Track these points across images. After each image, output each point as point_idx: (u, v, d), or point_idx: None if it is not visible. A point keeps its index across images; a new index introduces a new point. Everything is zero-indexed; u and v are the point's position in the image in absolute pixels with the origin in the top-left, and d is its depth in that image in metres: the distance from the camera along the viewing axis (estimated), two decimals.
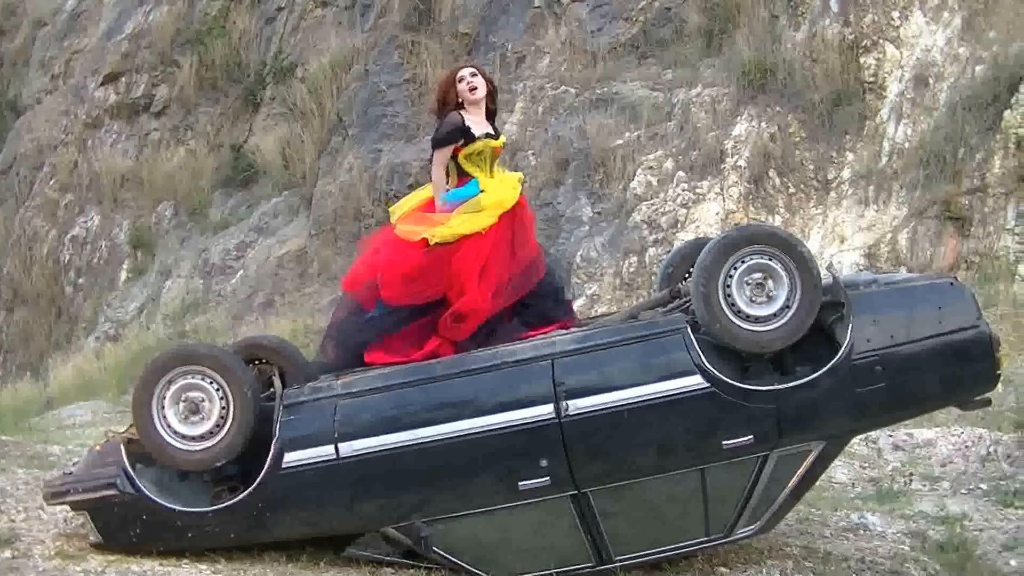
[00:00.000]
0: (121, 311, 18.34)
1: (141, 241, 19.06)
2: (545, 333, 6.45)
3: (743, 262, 5.96)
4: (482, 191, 6.68)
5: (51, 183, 20.67)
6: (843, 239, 12.52)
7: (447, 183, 6.79)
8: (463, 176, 6.77)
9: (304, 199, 17.47)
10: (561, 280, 7.15)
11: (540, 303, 6.70)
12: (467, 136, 6.71)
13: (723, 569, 6.61)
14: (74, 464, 6.68)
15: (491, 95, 6.93)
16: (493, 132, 6.87)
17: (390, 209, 7.24)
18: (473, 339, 6.45)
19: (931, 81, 12.96)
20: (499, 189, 6.74)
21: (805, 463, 6.13)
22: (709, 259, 5.97)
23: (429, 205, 6.78)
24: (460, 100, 6.81)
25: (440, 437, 5.94)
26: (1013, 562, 7.30)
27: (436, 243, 6.48)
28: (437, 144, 6.80)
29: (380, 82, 17.16)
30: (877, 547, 7.41)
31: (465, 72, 6.87)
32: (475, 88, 6.80)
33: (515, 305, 6.65)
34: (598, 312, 11.99)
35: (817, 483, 6.65)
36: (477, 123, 6.80)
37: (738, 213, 12.97)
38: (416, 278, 6.50)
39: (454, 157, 6.76)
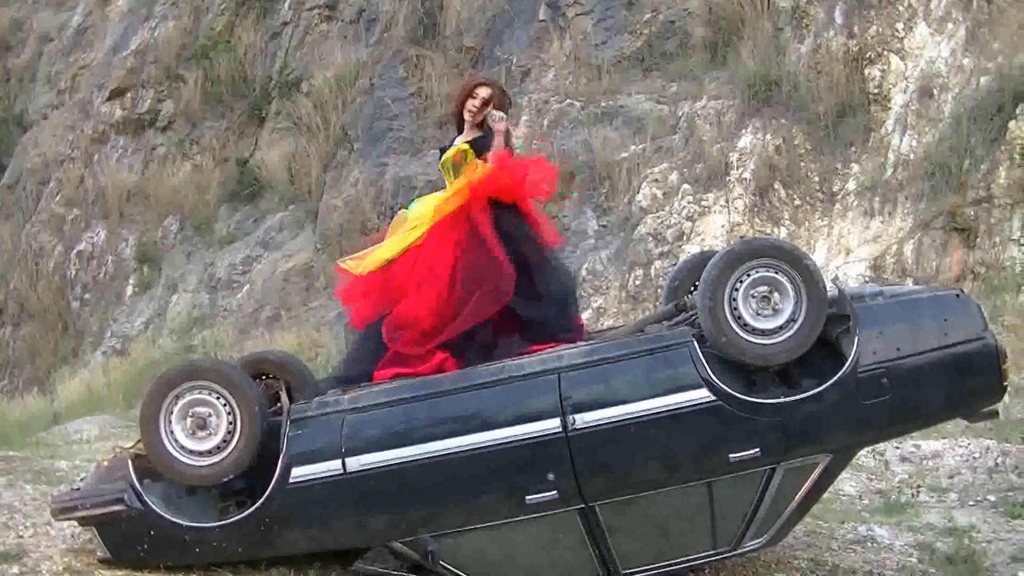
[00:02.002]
0: (127, 326, 18.37)
1: (147, 256, 19.10)
2: (547, 348, 6.46)
3: (749, 275, 5.96)
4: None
5: (57, 198, 20.73)
6: (849, 251, 12.52)
7: None
8: None
9: (310, 213, 17.50)
10: (567, 292, 7.09)
11: (545, 317, 6.70)
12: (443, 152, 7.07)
13: None
14: (82, 479, 6.68)
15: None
16: (461, 143, 7.01)
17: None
18: (473, 354, 6.48)
19: (936, 92, 12.96)
20: (426, 200, 6.92)
21: (812, 476, 6.13)
22: (715, 272, 5.97)
23: None
24: (457, 111, 7.12)
25: (447, 452, 5.94)
26: (1021, 574, 7.28)
27: (369, 271, 6.66)
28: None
29: (385, 96, 17.20)
30: (885, 559, 7.41)
31: (480, 92, 7.03)
32: (473, 112, 7.00)
33: (517, 319, 6.67)
34: (604, 325, 11.99)
35: (824, 495, 6.64)
36: (461, 138, 7.04)
37: (743, 225, 12.98)
38: (368, 301, 6.72)
39: None
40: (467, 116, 7.02)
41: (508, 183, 6.79)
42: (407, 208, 7.06)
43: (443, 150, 7.13)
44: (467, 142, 6.98)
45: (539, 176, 7.04)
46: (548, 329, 6.65)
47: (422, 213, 6.74)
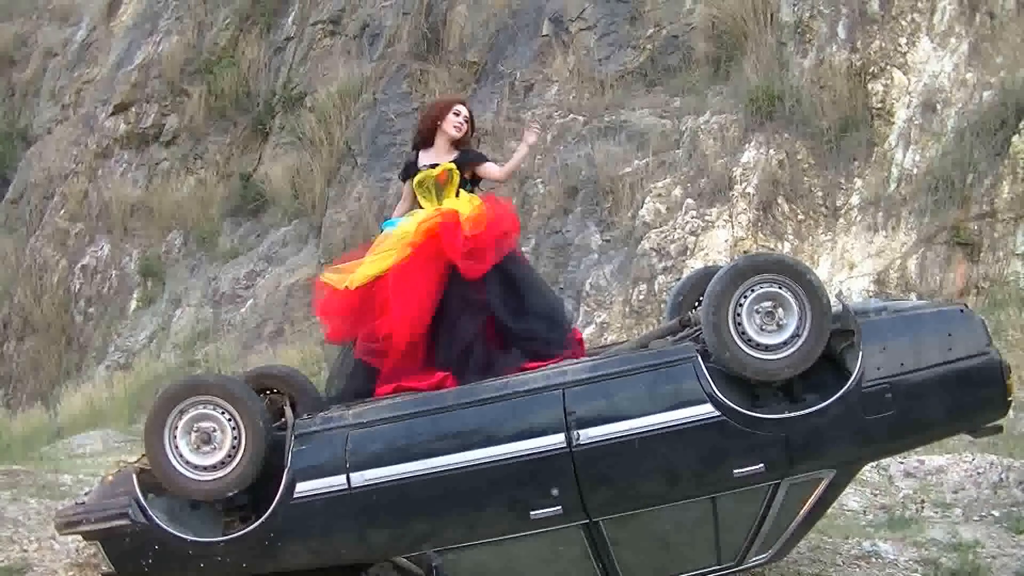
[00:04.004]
0: (131, 340, 18.39)
1: (151, 270, 19.13)
2: (547, 363, 6.47)
3: (753, 290, 5.96)
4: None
5: (61, 212, 20.77)
6: (852, 266, 12.52)
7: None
8: (419, 207, 7.11)
9: (313, 228, 17.52)
10: (555, 308, 7.12)
11: (536, 332, 6.72)
12: (411, 170, 7.15)
13: None
14: (86, 494, 6.69)
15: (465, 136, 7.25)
16: (438, 162, 7.08)
17: None
18: (470, 371, 6.51)
19: (939, 107, 12.97)
20: (410, 220, 6.94)
21: (816, 491, 6.12)
22: (719, 288, 5.97)
23: None
24: (437, 127, 7.14)
25: (452, 467, 5.93)
26: None
27: (356, 285, 6.68)
28: (401, 179, 7.47)
29: (389, 111, 17.24)
30: (889, 575, 7.39)
31: (462, 109, 7.20)
32: (460, 127, 7.15)
33: (512, 336, 6.71)
34: (608, 340, 12.00)
35: (828, 510, 6.63)
36: (433, 155, 7.13)
37: (747, 240, 12.98)
38: (347, 317, 6.76)
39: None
40: (453, 132, 7.11)
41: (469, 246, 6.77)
42: (384, 225, 7.12)
43: (409, 165, 7.19)
44: (451, 162, 7.03)
45: (508, 229, 7.04)
46: (539, 345, 6.67)
47: (409, 231, 6.78)
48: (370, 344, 6.60)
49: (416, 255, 6.66)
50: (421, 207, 7.06)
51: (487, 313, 6.69)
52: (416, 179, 7.07)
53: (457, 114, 7.15)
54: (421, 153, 7.17)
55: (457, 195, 7.02)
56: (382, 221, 7.39)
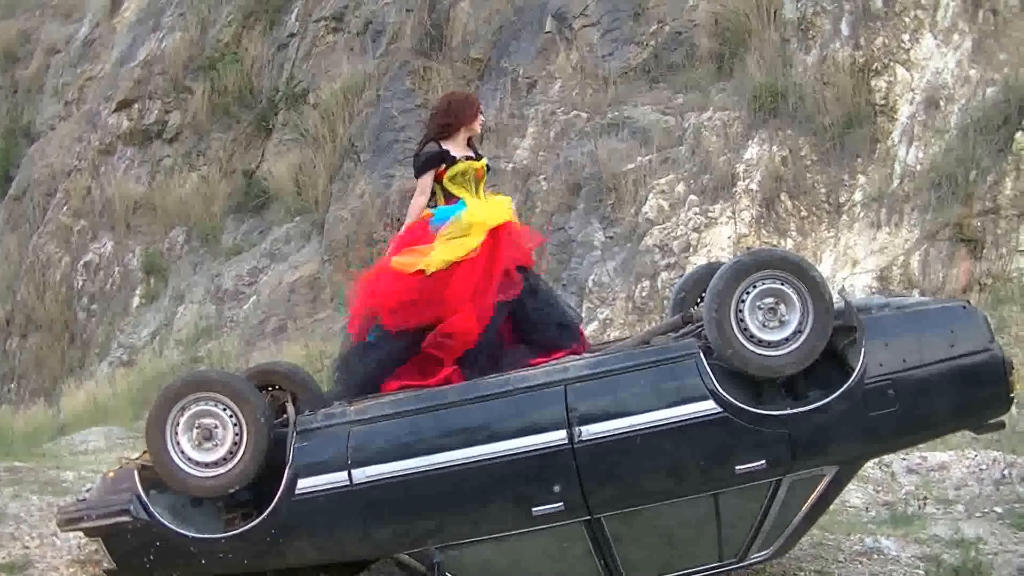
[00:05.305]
0: (134, 337, 18.38)
1: (154, 267, 19.12)
2: (552, 359, 6.47)
3: (755, 287, 5.96)
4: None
5: (64, 209, 20.76)
6: (855, 262, 12.50)
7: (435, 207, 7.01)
8: (450, 199, 6.94)
9: (316, 224, 17.50)
10: (560, 306, 7.14)
11: (544, 329, 6.73)
12: (447, 159, 6.91)
13: None
14: (88, 490, 6.69)
15: None
16: (474, 155, 7.06)
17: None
18: (478, 365, 6.49)
19: (942, 103, 12.94)
20: (483, 208, 6.87)
21: (818, 487, 6.12)
22: (721, 284, 5.97)
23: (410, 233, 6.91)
24: (460, 124, 7.02)
25: (453, 463, 5.94)
26: None
27: (433, 271, 6.56)
28: (420, 171, 7.00)
29: (392, 107, 17.21)
30: (891, 571, 7.40)
31: (480, 107, 7.23)
32: (482, 126, 7.32)
33: (520, 332, 6.73)
34: (610, 337, 11.99)
35: (831, 507, 6.63)
36: (456, 147, 7.01)
37: (750, 237, 12.96)
38: (414, 303, 6.58)
39: (440, 182, 6.95)
40: (479, 131, 7.19)
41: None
42: (438, 213, 6.95)
43: (441, 154, 6.93)
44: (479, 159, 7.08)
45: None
46: (556, 332, 6.72)
47: (483, 222, 6.72)
48: (443, 340, 6.52)
49: (486, 250, 6.65)
50: (450, 196, 6.94)
51: (510, 310, 6.69)
52: (457, 168, 6.90)
53: (481, 113, 7.20)
54: (443, 144, 7.01)
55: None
56: (392, 216, 7.29)
